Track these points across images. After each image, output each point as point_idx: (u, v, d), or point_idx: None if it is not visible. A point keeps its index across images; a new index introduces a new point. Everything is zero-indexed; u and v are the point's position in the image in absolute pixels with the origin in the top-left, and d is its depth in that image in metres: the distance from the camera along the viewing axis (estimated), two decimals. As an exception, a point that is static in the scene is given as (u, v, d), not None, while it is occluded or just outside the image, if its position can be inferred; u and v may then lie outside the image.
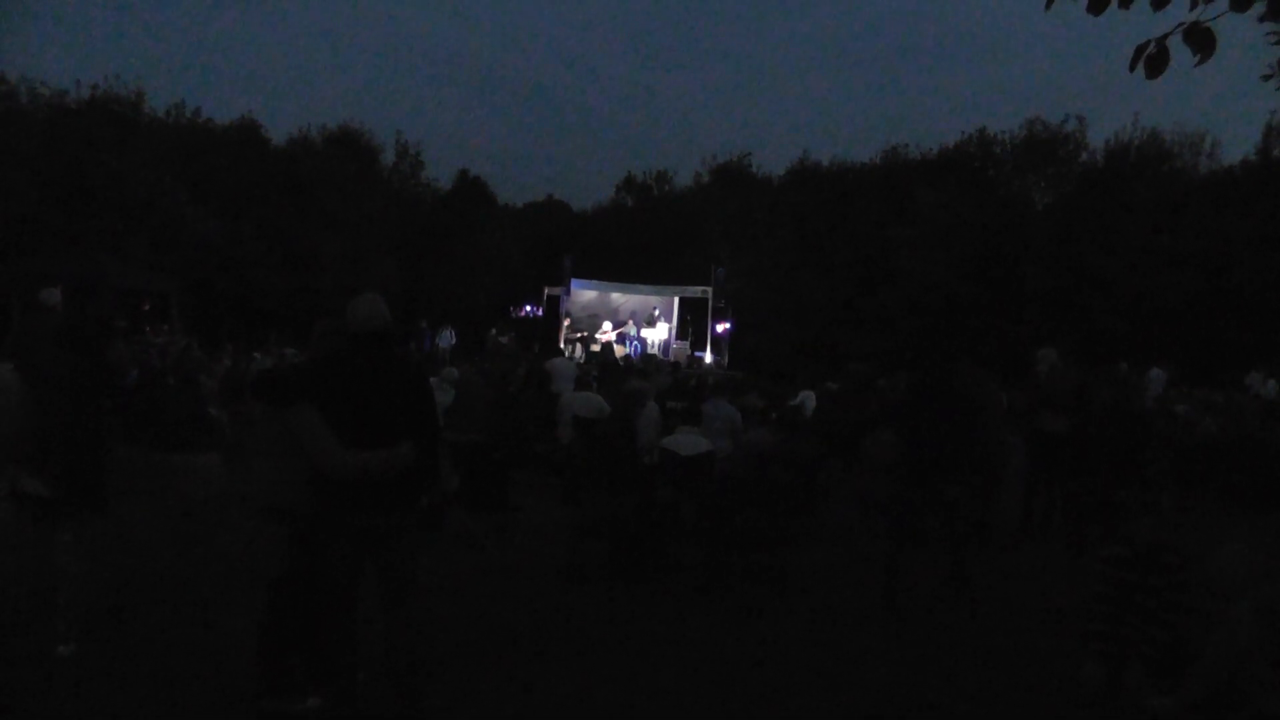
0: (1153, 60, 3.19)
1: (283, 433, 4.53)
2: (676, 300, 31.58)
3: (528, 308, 35.44)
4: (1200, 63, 3.12)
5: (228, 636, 5.52)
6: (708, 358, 29.97)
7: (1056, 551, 9.13)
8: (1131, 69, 3.22)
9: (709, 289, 30.80)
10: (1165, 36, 3.14)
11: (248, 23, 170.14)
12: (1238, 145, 71.69)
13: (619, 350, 28.12)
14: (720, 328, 30.96)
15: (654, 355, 28.00)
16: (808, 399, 16.52)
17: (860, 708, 5.23)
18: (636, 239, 44.42)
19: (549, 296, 32.26)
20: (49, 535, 5.45)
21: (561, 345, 29.48)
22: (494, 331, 30.81)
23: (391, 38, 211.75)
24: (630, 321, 29.96)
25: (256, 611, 4.75)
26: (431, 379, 7.08)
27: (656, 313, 30.71)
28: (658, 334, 30.14)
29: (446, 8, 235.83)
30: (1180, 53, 3.15)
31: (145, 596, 6.52)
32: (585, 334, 29.84)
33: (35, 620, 5.50)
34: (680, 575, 7.78)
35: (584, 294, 31.54)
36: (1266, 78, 4.67)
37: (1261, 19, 3.65)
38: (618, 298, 31.96)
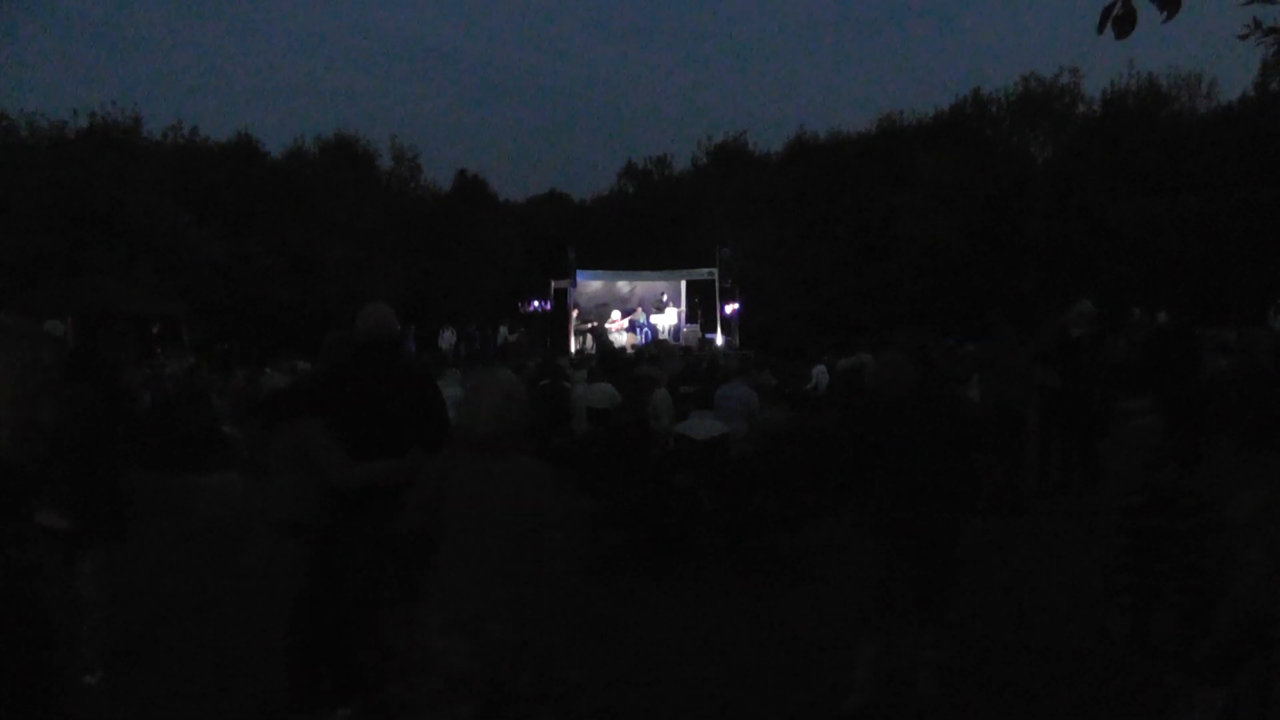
0: (1120, 20, 3.15)
1: (297, 447, 4.56)
2: (683, 284, 31.57)
3: (535, 302, 35.45)
4: (1167, 19, 3.08)
5: (254, 654, 5.55)
6: (719, 339, 29.97)
7: (1077, 507, 9.09)
8: (1100, 31, 3.18)
9: (715, 270, 30.79)
10: None
11: (233, 37, 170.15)
12: (1237, 79, 71.00)
13: (629, 338, 28.17)
14: (729, 308, 30.95)
15: (665, 341, 28.03)
16: (821, 374, 16.50)
17: (890, 678, 5.18)
18: (640, 226, 44.42)
19: (556, 290, 32.28)
20: (70, 566, 5.46)
21: (571, 337, 29.52)
22: (503, 329, 30.86)
23: (378, 41, 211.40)
24: (639, 309, 29.98)
25: (281, 627, 4.77)
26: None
27: (664, 298, 30.72)
28: (667, 319, 30.17)
29: (430, 6, 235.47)
30: (1149, 9, 3.12)
31: (169, 618, 6.56)
32: (595, 324, 29.87)
33: (61, 650, 5.50)
34: (701, 560, 7.76)
35: (591, 285, 31.53)
36: (1243, 37, 4.63)
37: None
38: (625, 286, 31.98)
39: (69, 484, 5.33)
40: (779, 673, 5.45)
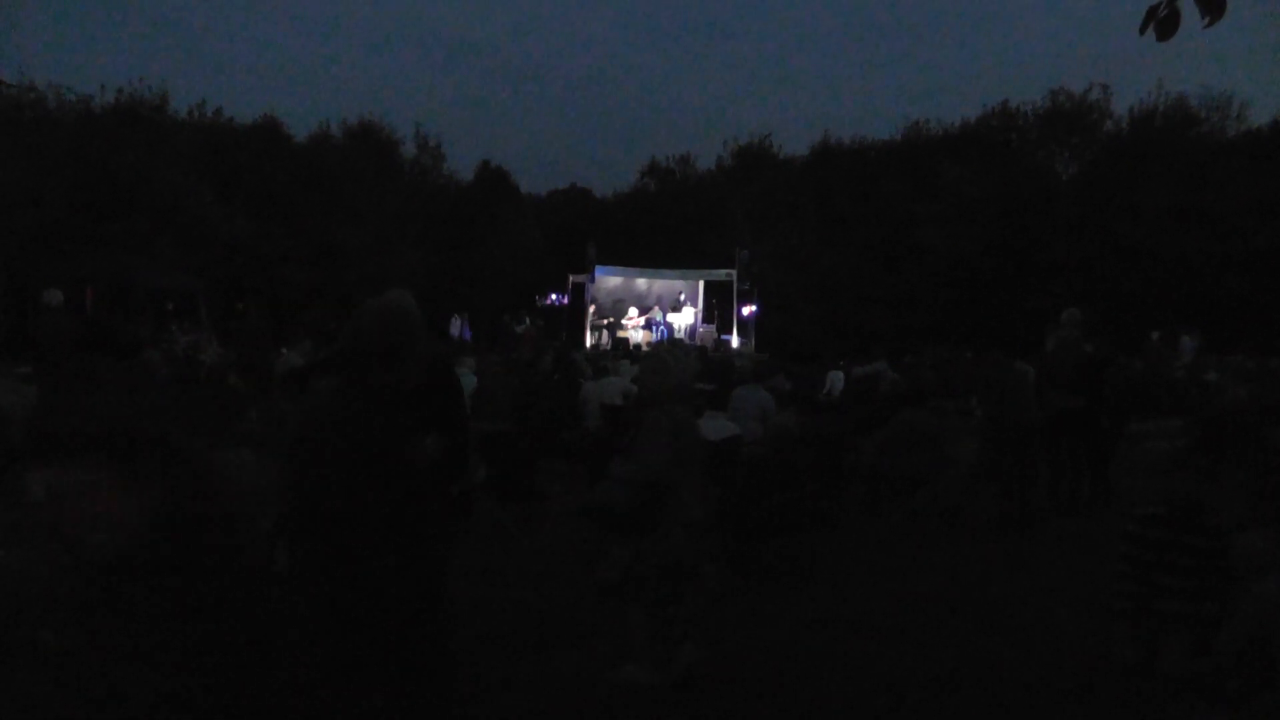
0: (1163, 22, 3.14)
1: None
2: (701, 284, 31.52)
3: (553, 296, 35.46)
4: (1209, 24, 3.06)
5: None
6: (734, 341, 29.94)
7: (1087, 528, 9.01)
8: (1142, 31, 3.18)
9: (733, 272, 30.77)
10: (1176, 0, 3.08)
11: (262, 20, 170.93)
12: (1268, 105, 70.64)
13: (645, 336, 28.18)
14: (746, 310, 30.91)
15: (680, 340, 28.01)
16: (836, 379, 16.47)
17: (892, 688, 5.17)
18: (660, 224, 44.37)
19: (574, 284, 32.25)
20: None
21: (587, 332, 29.54)
22: (506, 318, 30.82)
23: (405, 29, 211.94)
24: (656, 307, 29.98)
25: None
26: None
27: (682, 297, 30.70)
28: (684, 319, 30.12)
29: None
30: (1193, 14, 3.10)
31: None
32: (611, 320, 29.89)
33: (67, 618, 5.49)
34: (708, 560, 7.72)
35: (609, 280, 31.49)
36: None
37: None
38: (643, 283, 31.93)
39: (89, 449, 5.35)
40: (784, 670, 5.44)
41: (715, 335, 29.89)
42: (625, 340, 27.51)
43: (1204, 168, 32.77)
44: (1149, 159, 33.78)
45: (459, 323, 30.55)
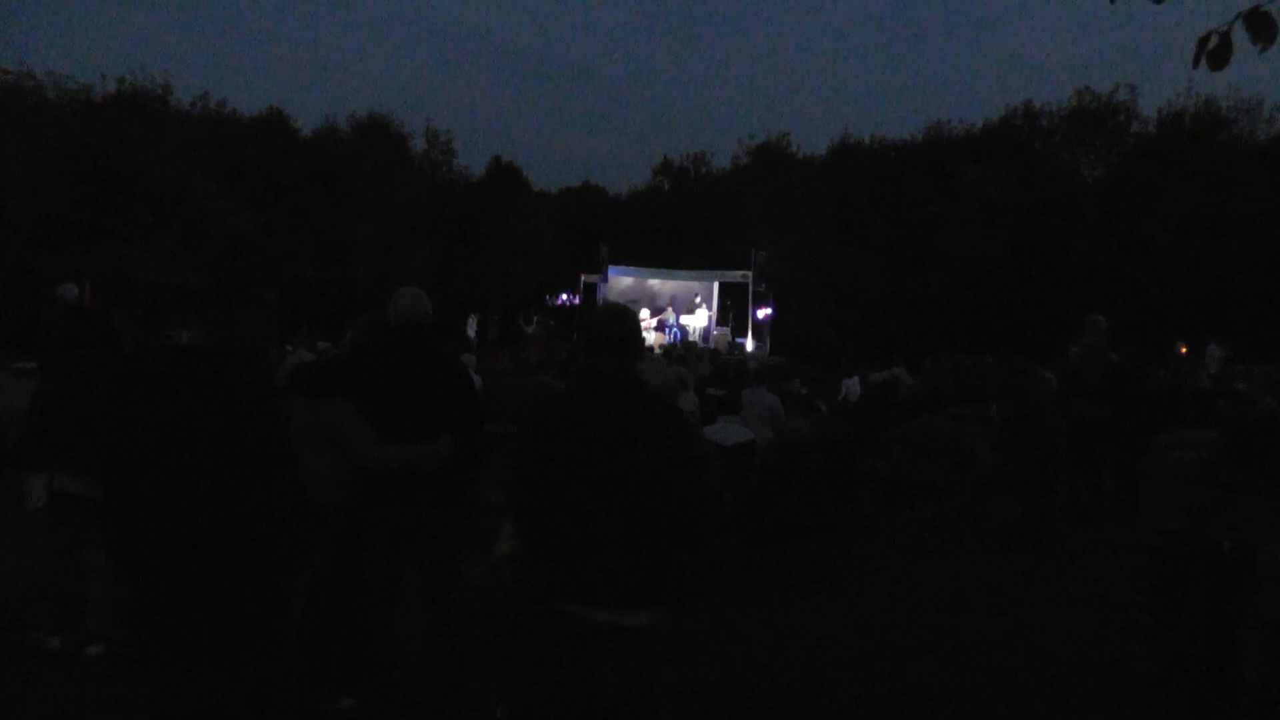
0: (1214, 54, 3.05)
1: (320, 427, 4.49)
2: (716, 285, 31.17)
3: (564, 296, 35.20)
4: (1263, 50, 2.95)
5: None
6: (749, 344, 29.53)
7: (1104, 537, 8.70)
8: (1195, 65, 3.10)
9: (749, 273, 30.37)
10: (1228, 30, 2.99)
11: (268, 10, 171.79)
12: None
13: (658, 338, 27.79)
14: (761, 313, 30.48)
15: (693, 343, 27.60)
16: (851, 387, 16.16)
17: (903, 699, 5.15)
18: (674, 223, 44.14)
19: (586, 284, 32.00)
20: (80, 533, 5.33)
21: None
22: (520, 319, 30.60)
23: (417, 22, 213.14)
24: (669, 308, 29.61)
25: (292, 606, 4.47)
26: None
27: (697, 299, 30.32)
28: (698, 321, 29.75)
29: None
30: (1241, 37, 3.00)
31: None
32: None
33: (66, 621, 5.43)
34: (720, 566, 7.51)
35: (622, 281, 31.16)
36: None
37: None
38: (656, 284, 31.61)
39: (86, 448, 5.18)
40: (793, 679, 5.43)
41: (729, 338, 29.48)
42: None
43: (1233, 172, 32.31)
44: (1177, 162, 33.28)
45: (474, 323, 30.31)
